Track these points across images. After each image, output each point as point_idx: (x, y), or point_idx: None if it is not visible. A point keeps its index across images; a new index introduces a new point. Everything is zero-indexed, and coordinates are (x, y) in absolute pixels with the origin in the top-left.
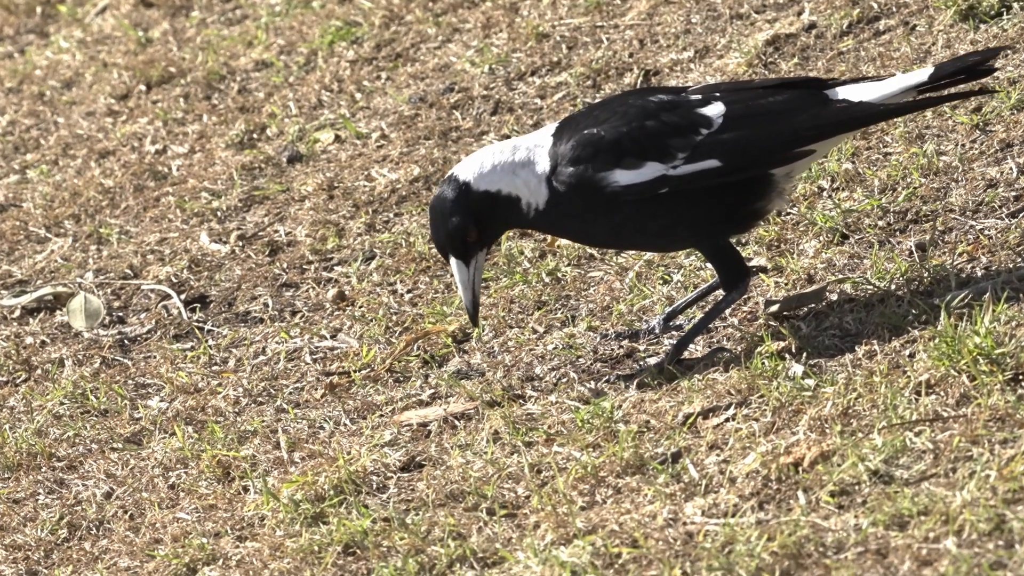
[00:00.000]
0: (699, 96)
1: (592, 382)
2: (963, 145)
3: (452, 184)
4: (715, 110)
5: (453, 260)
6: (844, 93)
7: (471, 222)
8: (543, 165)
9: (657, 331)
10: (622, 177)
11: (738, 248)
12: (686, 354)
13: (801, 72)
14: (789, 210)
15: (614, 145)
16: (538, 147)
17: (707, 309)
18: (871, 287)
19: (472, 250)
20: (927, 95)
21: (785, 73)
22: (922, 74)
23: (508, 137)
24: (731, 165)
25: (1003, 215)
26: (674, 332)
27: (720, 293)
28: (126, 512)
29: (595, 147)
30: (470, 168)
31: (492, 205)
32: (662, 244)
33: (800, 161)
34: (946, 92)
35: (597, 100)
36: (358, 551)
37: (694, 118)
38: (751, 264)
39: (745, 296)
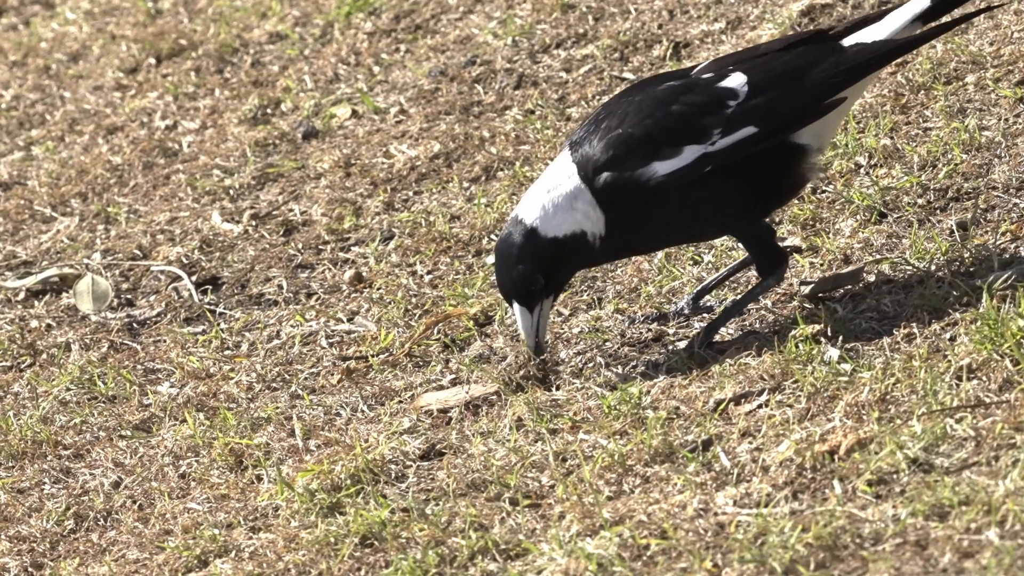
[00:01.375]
0: (711, 73)
1: (620, 367)
2: (1006, 119)
3: (519, 228)
4: (736, 81)
5: (516, 306)
6: (854, 39)
7: (539, 271)
8: (584, 189)
9: (687, 311)
10: (662, 167)
11: (773, 228)
12: (716, 337)
13: None
14: (824, 187)
15: (646, 139)
16: (570, 175)
17: (741, 293)
18: (910, 268)
19: (537, 297)
20: (937, 24)
21: None
22: (923, 1)
23: (532, 112)
24: (768, 128)
25: None
26: (705, 314)
27: (753, 274)
28: (135, 502)
29: (627, 146)
30: (534, 210)
31: (561, 250)
32: (713, 230)
33: (831, 115)
34: (954, 17)
35: (591, 112)
36: (376, 543)
37: (718, 93)
38: (785, 244)
39: None
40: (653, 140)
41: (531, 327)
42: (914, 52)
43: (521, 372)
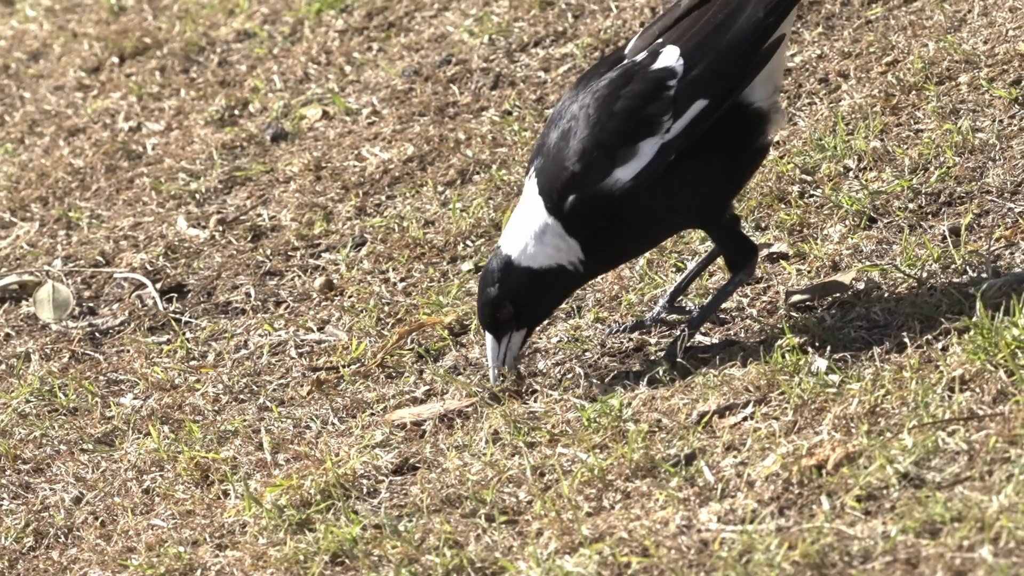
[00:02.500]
0: (645, 52)
1: (600, 378)
2: (1001, 121)
3: (497, 256)
4: (670, 57)
5: (487, 335)
6: None
7: (506, 297)
8: (554, 220)
9: (664, 315)
10: (625, 172)
11: (757, 232)
12: (700, 346)
13: (825, 42)
14: (812, 192)
15: (598, 147)
16: (537, 209)
17: (712, 295)
18: (901, 275)
19: (505, 328)
20: None
21: (809, 43)
22: None
23: (510, 113)
24: (716, 95)
25: None
26: (680, 316)
27: (725, 272)
28: (97, 518)
29: (584, 161)
30: (511, 241)
31: (539, 281)
32: (691, 219)
33: (772, 61)
34: None
35: (541, 129)
36: (347, 560)
37: (656, 76)
38: (772, 250)
39: (765, 285)
40: (607, 147)
41: (495, 358)
42: (905, 52)
43: (495, 383)
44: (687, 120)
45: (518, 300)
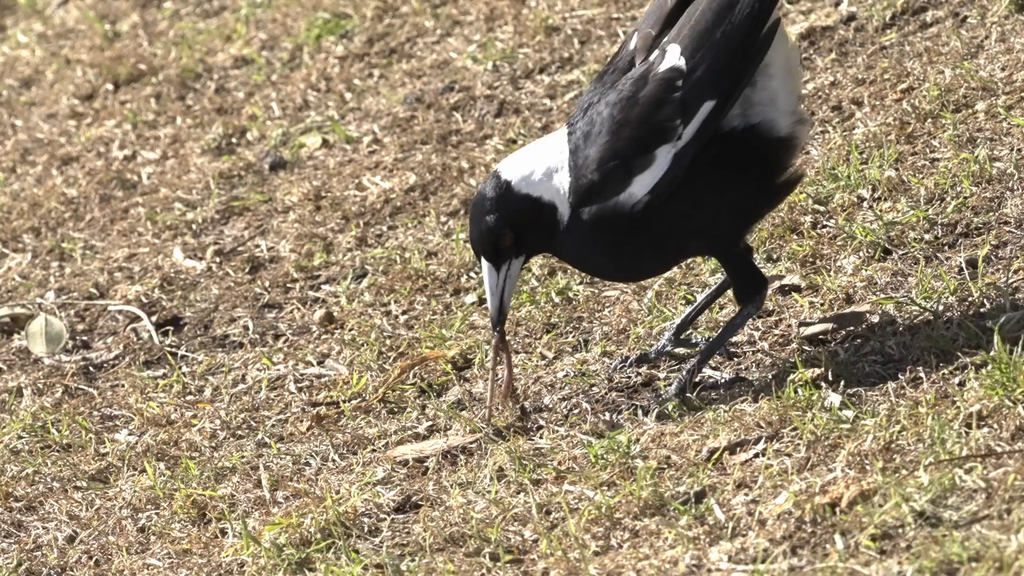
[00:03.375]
0: (656, 52)
1: (607, 413)
2: (1019, 150)
3: (494, 181)
4: (672, 55)
5: (484, 263)
6: None
7: (508, 226)
8: (565, 178)
9: (669, 348)
10: (642, 184)
11: (768, 264)
12: (709, 381)
13: (839, 68)
14: (826, 222)
15: (615, 156)
16: (562, 153)
17: (722, 328)
18: (916, 308)
19: (505, 256)
20: None
21: (821, 70)
22: None
23: (514, 141)
24: (725, 92)
25: None
26: (688, 350)
27: (734, 306)
28: (91, 558)
29: (600, 172)
30: (515, 167)
31: (534, 212)
32: (705, 245)
33: (779, 73)
34: None
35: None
36: None
37: (664, 78)
38: (784, 282)
39: (777, 318)
40: (623, 156)
41: (496, 286)
42: (920, 79)
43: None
44: (697, 123)
45: (519, 227)
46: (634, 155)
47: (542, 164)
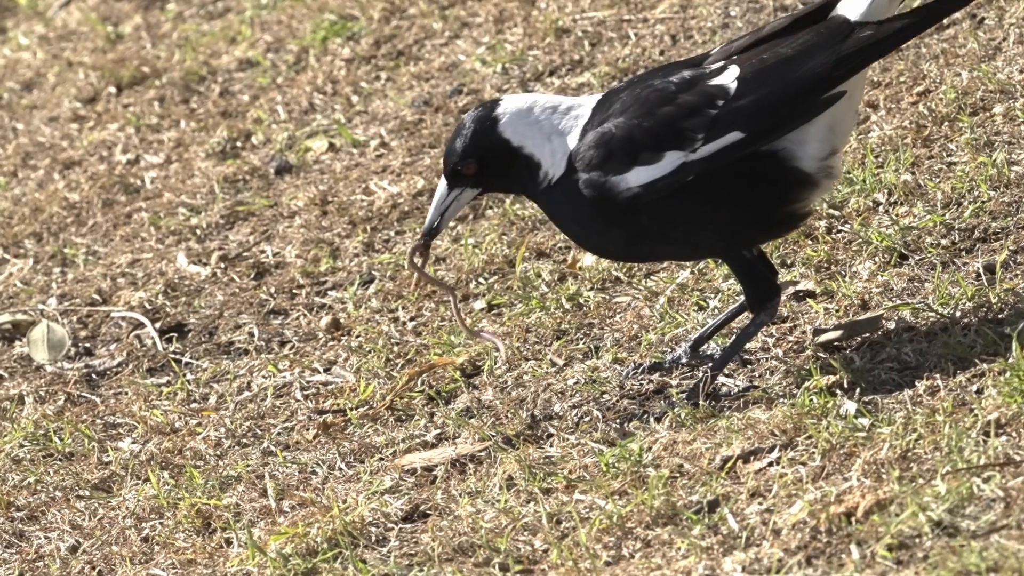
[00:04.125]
0: (719, 63)
1: (618, 421)
2: None
3: (484, 111)
4: (729, 76)
5: (442, 178)
6: (844, 8)
7: (474, 158)
8: (573, 141)
9: (684, 360)
10: (639, 176)
11: (783, 269)
12: (723, 388)
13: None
14: (841, 227)
15: (626, 142)
16: (579, 118)
17: (735, 336)
18: (933, 314)
19: (460, 181)
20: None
21: None
22: None
23: None
24: (755, 133)
25: None
26: (707, 363)
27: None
28: (94, 568)
29: (607, 147)
30: (517, 109)
31: (507, 158)
32: (684, 253)
33: (833, 127)
34: None
35: (641, 72)
36: None
37: (709, 91)
38: (798, 288)
39: (791, 324)
40: (634, 144)
41: (440, 204)
42: (937, 82)
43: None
44: (717, 146)
45: (485, 163)
46: (645, 147)
47: (546, 121)
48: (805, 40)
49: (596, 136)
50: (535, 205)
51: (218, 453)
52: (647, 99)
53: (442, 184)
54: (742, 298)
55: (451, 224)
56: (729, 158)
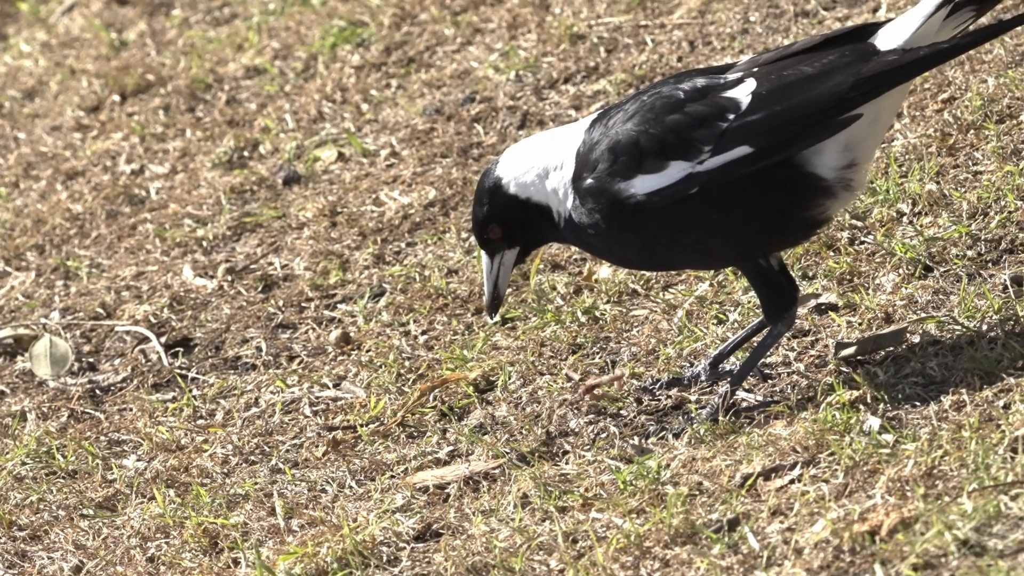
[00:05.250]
0: (738, 75)
1: (636, 437)
2: None
3: (490, 175)
4: (744, 89)
5: (482, 250)
6: (883, 37)
7: (494, 221)
8: (570, 168)
9: (703, 378)
10: (644, 183)
11: (804, 281)
12: (742, 403)
13: None
14: (864, 238)
15: (632, 147)
16: (570, 144)
17: (752, 349)
18: (959, 327)
19: (496, 246)
20: (970, 21)
21: None
22: None
23: None
24: (763, 149)
25: None
26: (727, 379)
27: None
28: None
29: (613, 152)
30: (510, 164)
31: (521, 212)
32: (699, 261)
33: (859, 137)
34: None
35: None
36: None
37: (721, 103)
38: (820, 301)
39: (813, 338)
40: (639, 150)
41: (490, 273)
42: (962, 89)
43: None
44: (724, 160)
45: (508, 223)
46: (649, 154)
47: (540, 162)
48: (828, 60)
49: (604, 141)
50: None
51: (225, 471)
52: (653, 106)
53: (483, 256)
54: (754, 296)
55: (509, 285)
56: (736, 172)
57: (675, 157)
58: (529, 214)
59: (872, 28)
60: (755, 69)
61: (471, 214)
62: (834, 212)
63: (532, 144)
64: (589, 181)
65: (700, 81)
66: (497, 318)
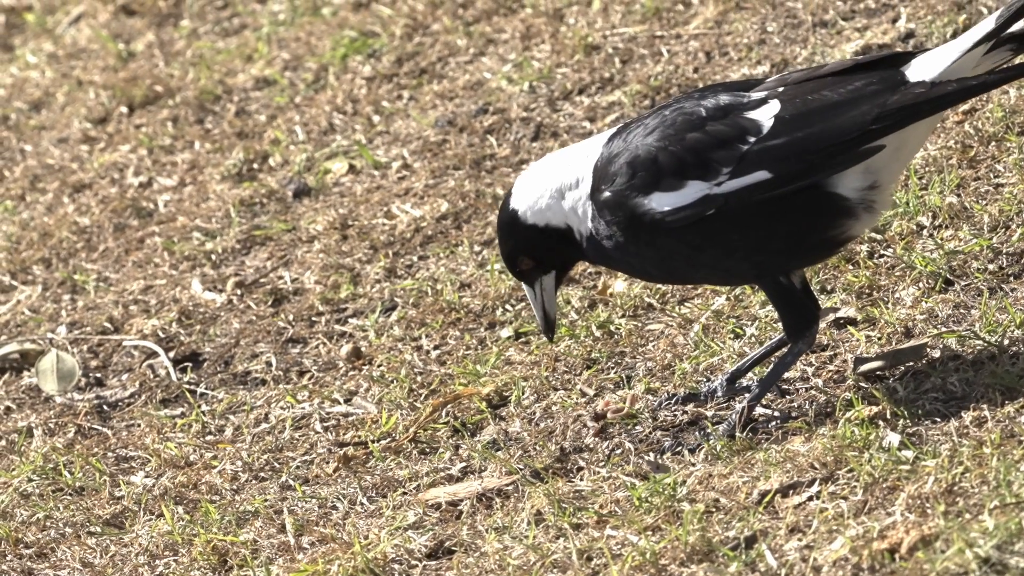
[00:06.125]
0: (762, 94)
1: (652, 454)
2: None
3: (505, 208)
4: (767, 112)
5: (520, 282)
6: (916, 67)
7: (520, 252)
8: (588, 182)
9: (720, 393)
10: (661, 201)
11: (823, 295)
12: (760, 418)
13: None
14: (883, 252)
15: (650, 164)
16: (588, 159)
17: (772, 365)
18: (980, 342)
19: (532, 275)
20: (1007, 60)
21: None
22: (988, 23)
23: None
24: (783, 175)
25: None
26: (745, 395)
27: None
28: None
29: (631, 167)
30: (522, 193)
31: (543, 239)
32: (718, 278)
33: (885, 159)
34: None
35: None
36: None
37: (742, 124)
38: (839, 315)
39: (831, 352)
40: (658, 167)
41: (536, 301)
42: (983, 100)
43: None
44: (742, 184)
45: (535, 251)
46: (668, 173)
47: (553, 184)
48: (855, 88)
49: (622, 156)
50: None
51: (235, 487)
52: (675, 122)
53: (524, 287)
54: (772, 310)
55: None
56: (754, 197)
57: (693, 176)
58: (551, 240)
59: (906, 57)
60: (780, 89)
61: (500, 251)
62: (856, 232)
63: (543, 167)
64: (607, 194)
65: (724, 98)
66: (555, 338)
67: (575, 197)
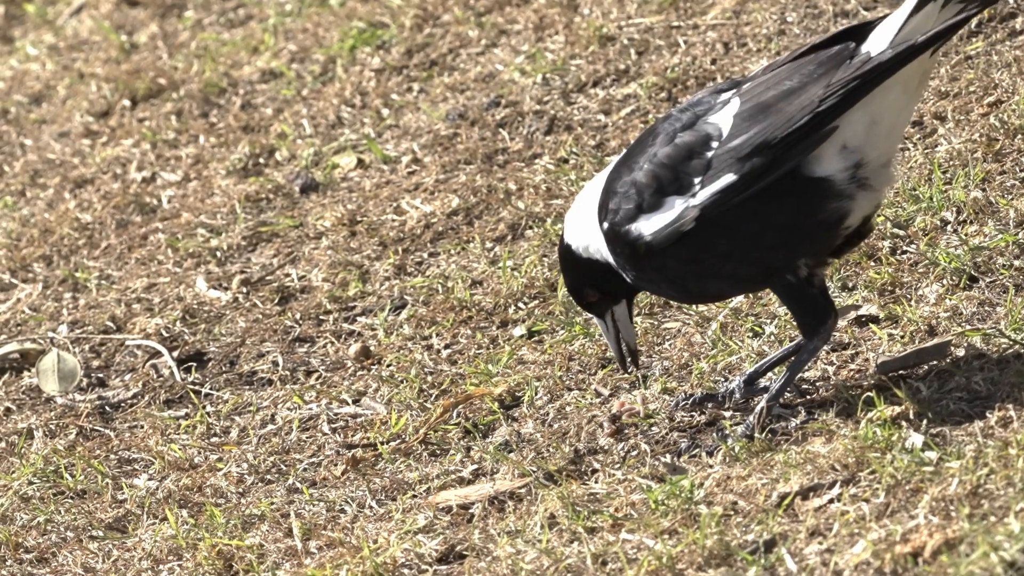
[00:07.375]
0: (728, 95)
1: (668, 455)
2: None
3: (562, 243)
4: (728, 113)
5: (592, 315)
6: (872, 38)
7: (585, 284)
8: (596, 218)
9: (738, 394)
10: (648, 224)
11: (844, 293)
12: (779, 420)
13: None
14: (906, 247)
15: (630, 187)
16: (596, 188)
17: (789, 365)
18: (1005, 340)
19: (601, 306)
20: (966, 10)
21: None
22: None
23: (566, 161)
24: (748, 174)
25: None
26: (763, 396)
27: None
28: None
29: (618, 195)
30: (571, 226)
31: (598, 270)
32: (730, 288)
33: (874, 125)
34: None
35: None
36: None
37: (706, 130)
38: (860, 313)
39: (853, 351)
40: (638, 191)
41: (610, 332)
42: (1010, 92)
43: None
44: (712, 191)
45: (597, 283)
46: (649, 192)
47: (588, 215)
48: (808, 72)
49: (612, 185)
50: None
51: (240, 490)
52: (656, 139)
53: (596, 320)
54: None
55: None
56: (729, 201)
57: (671, 192)
58: (606, 271)
59: (867, 29)
60: (745, 87)
61: (564, 285)
62: (859, 210)
63: (582, 198)
64: (606, 227)
65: (698, 105)
66: (633, 370)
67: (597, 232)
